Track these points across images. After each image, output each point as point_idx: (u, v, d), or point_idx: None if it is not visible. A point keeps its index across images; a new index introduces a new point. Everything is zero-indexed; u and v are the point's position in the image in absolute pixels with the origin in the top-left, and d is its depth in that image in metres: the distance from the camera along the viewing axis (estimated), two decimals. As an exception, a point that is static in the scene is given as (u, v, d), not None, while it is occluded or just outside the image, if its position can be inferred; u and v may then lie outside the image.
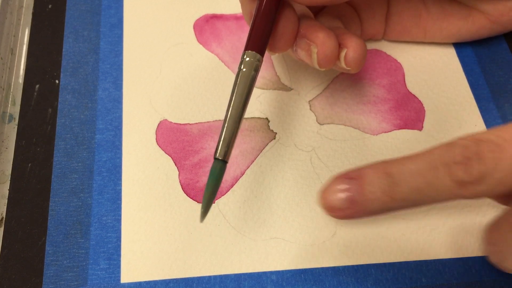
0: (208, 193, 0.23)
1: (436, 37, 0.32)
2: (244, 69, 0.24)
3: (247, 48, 0.25)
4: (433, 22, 0.31)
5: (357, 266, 0.26)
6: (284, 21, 0.26)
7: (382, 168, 0.22)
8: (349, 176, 0.23)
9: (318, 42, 0.26)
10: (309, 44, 0.26)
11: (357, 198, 0.22)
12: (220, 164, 0.23)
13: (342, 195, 0.23)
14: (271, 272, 0.26)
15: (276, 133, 0.30)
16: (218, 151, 0.23)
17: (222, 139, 0.23)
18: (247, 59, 0.25)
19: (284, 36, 0.26)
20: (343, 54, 0.26)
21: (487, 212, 0.28)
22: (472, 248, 0.27)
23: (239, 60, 0.32)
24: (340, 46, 0.26)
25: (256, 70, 0.25)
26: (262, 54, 0.25)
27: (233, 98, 0.24)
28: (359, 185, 0.22)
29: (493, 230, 0.23)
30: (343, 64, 0.27)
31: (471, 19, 0.31)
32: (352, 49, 0.26)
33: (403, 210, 0.23)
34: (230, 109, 0.24)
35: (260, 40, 0.25)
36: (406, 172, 0.22)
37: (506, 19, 0.31)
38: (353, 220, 0.26)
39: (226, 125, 0.23)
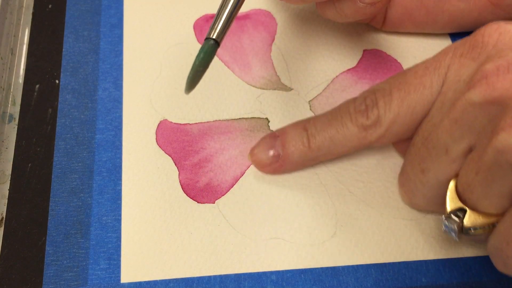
0: (195, 66, 0.24)
1: (438, 21, 0.32)
2: None
3: None
4: (435, 4, 0.31)
5: (357, 266, 0.26)
6: None
7: (300, 125, 0.27)
8: (274, 135, 0.28)
9: None
10: None
11: (281, 152, 0.27)
12: (212, 42, 0.24)
13: (268, 152, 0.27)
14: (271, 272, 0.26)
15: (276, 133, 0.30)
16: (213, 30, 0.24)
17: (219, 19, 0.24)
18: None
19: None
20: None
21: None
22: (472, 248, 0.27)
23: (239, 60, 0.33)
24: None
25: None
26: None
27: None
28: (282, 141, 0.27)
29: (400, 174, 0.26)
30: None
31: (472, 1, 0.31)
32: None
33: (325, 158, 0.27)
34: None
35: None
36: (318, 124, 0.26)
37: (508, 2, 0.30)
38: (281, 173, 0.28)
39: (224, 6, 0.24)
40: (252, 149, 0.28)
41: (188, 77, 0.24)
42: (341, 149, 0.26)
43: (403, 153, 0.27)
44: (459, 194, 0.23)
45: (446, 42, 0.33)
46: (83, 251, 0.26)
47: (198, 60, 0.24)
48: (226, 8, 0.24)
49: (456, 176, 0.23)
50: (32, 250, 0.26)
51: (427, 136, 0.23)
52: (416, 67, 0.24)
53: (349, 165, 0.29)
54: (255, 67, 0.32)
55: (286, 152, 0.27)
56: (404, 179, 0.26)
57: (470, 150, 0.22)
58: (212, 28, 0.24)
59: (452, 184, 0.23)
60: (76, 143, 0.29)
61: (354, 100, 0.26)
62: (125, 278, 0.25)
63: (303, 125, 0.27)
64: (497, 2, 0.31)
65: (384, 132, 0.24)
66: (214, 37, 0.24)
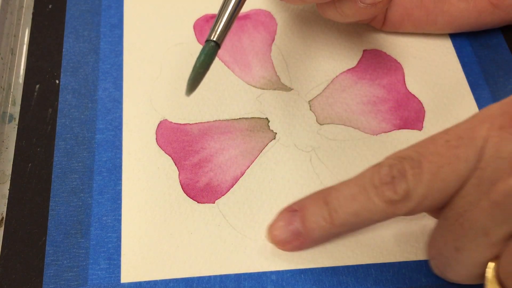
0: (196, 68, 0.23)
1: (438, 21, 0.32)
2: None
3: None
4: (435, 4, 0.31)
5: (357, 266, 0.26)
6: None
7: (321, 197, 0.24)
8: (292, 209, 0.25)
9: None
10: None
11: (301, 229, 0.24)
12: (212, 44, 0.23)
13: (287, 229, 0.25)
14: (271, 272, 0.26)
15: (276, 133, 0.30)
16: (213, 33, 0.23)
17: (219, 21, 0.23)
18: None
19: None
20: None
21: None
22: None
23: (239, 60, 0.33)
24: None
25: None
26: None
27: None
28: (301, 217, 0.24)
29: (430, 245, 0.24)
30: None
31: (472, 2, 0.31)
32: None
33: (347, 233, 0.25)
34: None
35: None
36: (341, 198, 0.23)
37: (508, 3, 0.30)
38: (302, 250, 0.26)
39: (225, 8, 0.24)
40: (270, 226, 0.26)
41: (189, 79, 0.24)
42: (367, 223, 0.24)
43: (434, 216, 0.25)
44: (501, 281, 0.21)
45: (446, 42, 0.33)
46: (83, 251, 0.26)
47: (199, 62, 0.24)
48: (226, 9, 0.24)
49: (495, 258, 0.21)
50: (32, 250, 0.26)
51: (462, 213, 0.21)
52: (446, 134, 0.22)
53: (349, 165, 0.29)
54: (255, 67, 0.32)
55: (306, 229, 0.24)
56: (435, 252, 0.24)
57: None
58: (213, 30, 0.24)
59: (491, 269, 0.21)
60: (76, 143, 0.29)
61: (379, 168, 0.23)
62: (125, 278, 0.25)
63: (324, 198, 0.24)
64: (497, 2, 0.31)
65: (414, 207, 0.22)
66: (214, 39, 0.24)
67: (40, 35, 0.33)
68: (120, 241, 0.26)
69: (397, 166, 0.22)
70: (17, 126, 0.30)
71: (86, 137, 0.29)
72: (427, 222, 0.27)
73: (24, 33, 0.34)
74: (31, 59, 0.32)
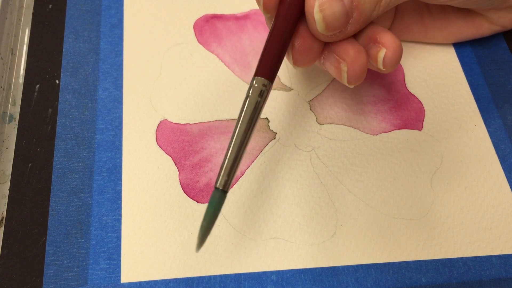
0: (206, 223, 0.22)
1: (436, 36, 0.32)
2: (250, 95, 0.23)
3: (256, 73, 0.24)
4: (434, 22, 0.31)
5: (357, 266, 0.26)
6: (306, 36, 0.25)
7: None
8: None
9: (349, 60, 0.24)
10: (339, 61, 0.25)
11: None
12: (220, 193, 0.22)
13: (339, 2, 0.23)
14: (271, 272, 0.26)
15: (276, 133, 0.30)
16: (219, 180, 0.22)
17: (223, 167, 0.22)
18: (256, 84, 0.23)
19: (307, 53, 0.25)
20: (381, 55, 0.25)
21: (486, 214, 0.28)
22: (472, 248, 0.27)
23: (239, 60, 0.33)
24: (376, 43, 0.25)
25: (262, 96, 0.23)
26: (271, 80, 0.24)
27: (238, 125, 0.23)
28: None
29: None
30: (380, 66, 0.25)
31: (471, 20, 0.31)
32: (391, 50, 0.24)
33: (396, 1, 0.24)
34: (234, 137, 0.23)
35: (269, 65, 0.24)
36: None
37: (505, 20, 0.31)
38: (352, 33, 0.25)
39: (228, 153, 0.22)
40: (321, 3, 0.23)
41: (199, 235, 0.22)
42: None
43: None
44: None
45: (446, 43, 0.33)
46: (83, 251, 0.26)
47: (208, 216, 0.22)
48: (231, 154, 0.22)
49: None
50: (32, 250, 0.26)
51: None
52: None
53: (349, 165, 0.29)
54: (255, 67, 0.32)
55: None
56: None
57: None
58: (220, 177, 0.22)
59: None
60: (76, 143, 0.29)
61: None
62: (125, 278, 0.26)
63: None
64: (496, 21, 0.31)
65: None
66: (221, 187, 0.22)
67: (40, 35, 0.33)
68: (120, 241, 0.26)
69: None
70: (17, 126, 0.30)
71: (86, 137, 0.29)
72: (427, 222, 0.27)
73: (24, 33, 0.34)
74: (31, 59, 0.32)
